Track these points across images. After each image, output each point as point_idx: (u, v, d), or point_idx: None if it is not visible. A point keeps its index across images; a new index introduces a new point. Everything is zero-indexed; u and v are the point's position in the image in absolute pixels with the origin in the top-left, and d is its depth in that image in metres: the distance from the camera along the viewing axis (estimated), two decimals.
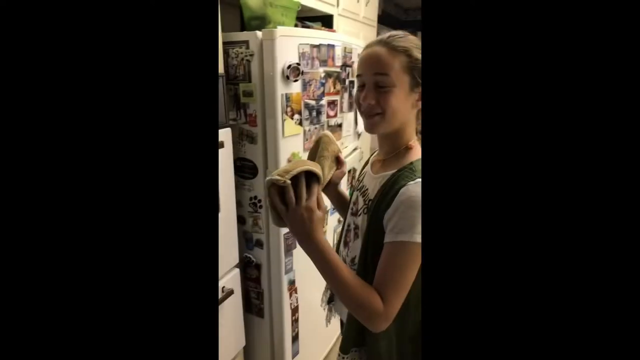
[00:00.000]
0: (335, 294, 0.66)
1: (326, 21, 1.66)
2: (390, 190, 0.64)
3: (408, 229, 0.59)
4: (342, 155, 0.81)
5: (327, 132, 0.79)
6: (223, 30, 1.03)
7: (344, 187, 1.54)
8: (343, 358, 0.76)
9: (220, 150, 1.02)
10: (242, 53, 1.07)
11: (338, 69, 1.34)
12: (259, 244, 1.23)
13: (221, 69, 1.04)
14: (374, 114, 0.66)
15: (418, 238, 0.59)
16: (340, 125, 1.44)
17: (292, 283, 1.27)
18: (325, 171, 0.74)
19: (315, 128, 1.26)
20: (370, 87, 0.65)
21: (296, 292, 1.30)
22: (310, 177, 0.63)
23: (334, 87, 1.34)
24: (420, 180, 0.61)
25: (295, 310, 1.31)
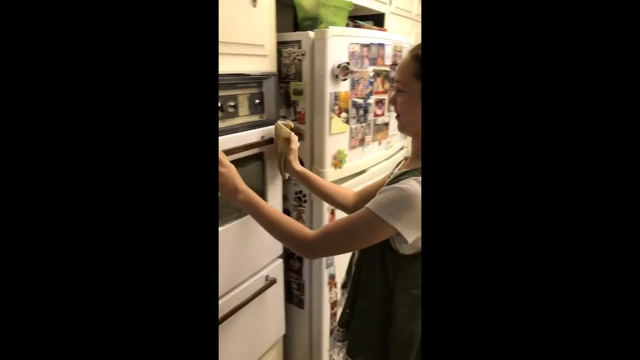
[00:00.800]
0: (267, 231, 0.77)
1: (378, 20, 1.66)
2: (395, 180, 0.69)
3: (384, 205, 0.64)
4: (294, 136, 1.02)
5: (278, 121, 1.03)
6: (277, 31, 1.08)
7: None
8: (339, 331, 0.87)
9: (270, 146, 1.07)
10: (294, 52, 1.11)
11: (387, 68, 1.34)
12: None
13: (274, 67, 1.09)
14: (397, 115, 0.75)
15: (385, 216, 0.63)
16: (387, 124, 1.44)
17: (332, 277, 1.30)
18: (278, 149, 1.02)
19: (362, 126, 1.28)
20: (395, 92, 0.74)
21: (336, 287, 1.33)
22: None
23: (382, 86, 1.34)
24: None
25: (334, 304, 1.34)
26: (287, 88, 1.15)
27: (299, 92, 1.14)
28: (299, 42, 1.09)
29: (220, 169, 0.78)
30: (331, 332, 1.36)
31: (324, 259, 1.24)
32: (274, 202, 1.14)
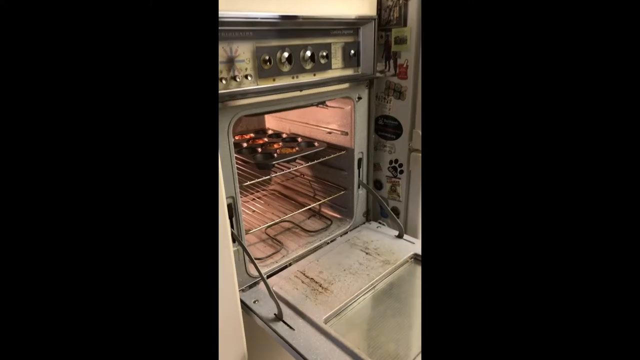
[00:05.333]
0: None
1: None
2: None
3: None
4: None
5: None
6: None
7: None
8: None
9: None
10: None
11: None
12: (395, 212, 1.12)
13: (374, 11, 0.92)
14: None
15: None
16: None
17: None
18: None
19: None
20: None
21: None
22: None
23: None
24: None
25: None
26: (388, 37, 0.98)
27: (402, 41, 0.96)
28: None
29: None
30: None
31: (420, 235, 1.08)
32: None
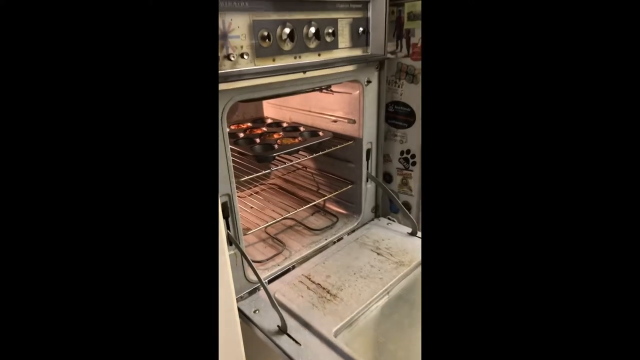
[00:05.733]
0: None
1: None
2: None
3: None
4: None
5: None
6: None
7: None
8: None
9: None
10: None
11: None
12: (407, 207, 1.03)
13: None
14: None
15: None
16: None
17: None
18: None
19: None
20: None
21: None
22: None
23: None
24: None
25: None
26: (400, 12, 0.88)
27: (416, 17, 0.85)
28: None
29: None
30: None
31: None
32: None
